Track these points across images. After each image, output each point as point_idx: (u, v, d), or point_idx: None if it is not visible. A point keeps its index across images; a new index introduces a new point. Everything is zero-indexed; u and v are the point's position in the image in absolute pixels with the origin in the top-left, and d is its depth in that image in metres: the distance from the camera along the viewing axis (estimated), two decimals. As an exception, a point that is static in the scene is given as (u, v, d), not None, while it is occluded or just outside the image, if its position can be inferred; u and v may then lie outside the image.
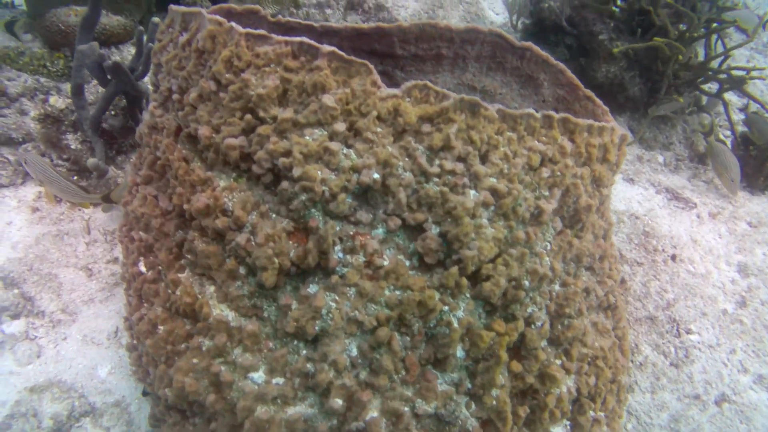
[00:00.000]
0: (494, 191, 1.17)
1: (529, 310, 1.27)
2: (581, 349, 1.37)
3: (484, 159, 1.19)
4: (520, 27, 3.71)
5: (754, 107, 3.33)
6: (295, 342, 1.21)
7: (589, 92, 1.59)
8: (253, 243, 1.18)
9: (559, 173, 1.24)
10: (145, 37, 2.23)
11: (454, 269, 1.17)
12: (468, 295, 1.21)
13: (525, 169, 1.21)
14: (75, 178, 2.34)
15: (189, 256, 1.28)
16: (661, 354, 2.17)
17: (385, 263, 1.18)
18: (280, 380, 1.20)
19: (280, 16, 1.64)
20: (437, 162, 1.15)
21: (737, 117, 3.50)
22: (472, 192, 1.17)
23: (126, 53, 2.64)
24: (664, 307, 2.29)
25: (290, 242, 1.19)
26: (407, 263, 1.19)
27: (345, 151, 1.15)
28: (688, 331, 2.24)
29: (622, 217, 2.61)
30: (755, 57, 4.44)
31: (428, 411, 1.21)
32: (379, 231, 1.18)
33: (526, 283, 1.24)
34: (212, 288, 1.26)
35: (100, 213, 2.27)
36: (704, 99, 3.32)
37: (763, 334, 2.29)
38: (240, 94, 1.17)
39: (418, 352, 1.21)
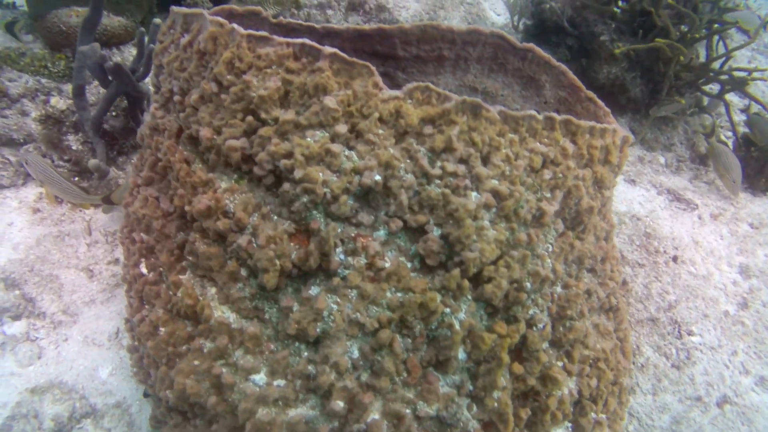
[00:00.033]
0: (496, 193, 1.17)
1: (531, 312, 1.27)
2: (583, 351, 1.37)
3: (485, 161, 1.18)
4: (521, 28, 3.71)
5: (755, 108, 3.32)
6: (297, 344, 1.21)
7: (590, 94, 1.59)
8: (254, 245, 1.18)
9: (561, 175, 1.24)
10: (146, 38, 2.23)
11: (456, 271, 1.17)
12: (469, 297, 1.21)
13: (527, 171, 1.21)
14: (76, 179, 2.34)
15: (190, 258, 1.28)
16: (662, 356, 2.17)
17: (387, 265, 1.18)
18: (281, 382, 1.20)
19: (281, 18, 1.64)
20: (439, 164, 1.15)
21: (739, 118, 3.49)
22: (474, 194, 1.17)
23: (127, 54, 2.64)
24: (666, 309, 2.29)
25: (292, 244, 1.18)
26: (409, 265, 1.19)
27: (347, 152, 1.15)
28: (690, 333, 2.24)
29: (624, 219, 2.60)
30: (757, 58, 4.44)
31: (430, 413, 1.20)
32: (381, 233, 1.18)
33: (528, 285, 1.24)
34: (213, 290, 1.26)
35: (101, 214, 2.27)
36: (706, 100, 3.31)
37: (765, 335, 2.28)
38: (241, 96, 1.17)
39: (420, 354, 1.21)
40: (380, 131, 1.15)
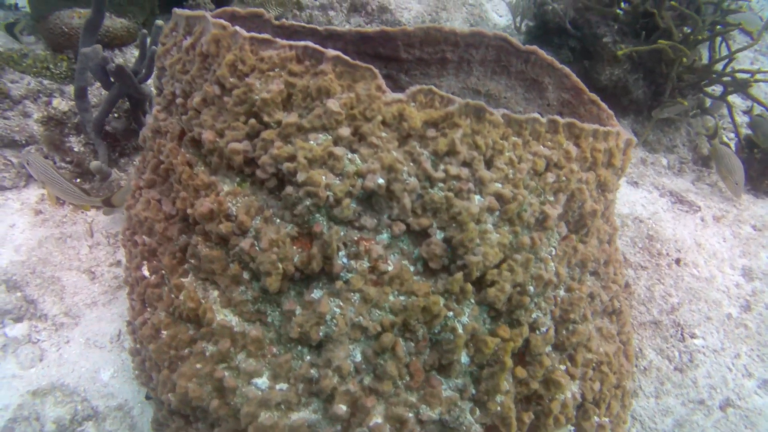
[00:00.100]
0: (499, 196, 1.17)
1: (534, 315, 1.27)
2: (586, 355, 1.37)
3: (489, 164, 1.18)
4: (523, 29, 3.71)
5: (758, 110, 3.32)
6: (299, 347, 1.21)
7: (594, 96, 1.59)
8: (257, 248, 1.18)
9: (564, 178, 1.24)
10: (148, 40, 2.23)
11: (459, 275, 1.17)
12: (473, 301, 1.20)
13: (530, 174, 1.21)
14: (78, 180, 2.34)
15: (192, 261, 1.28)
16: (665, 358, 2.17)
17: (390, 269, 1.17)
18: (283, 386, 1.20)
19: (284, 20, 1.63)
20: (442, 167, 1.15)
21: (741, 120, 3.49)
22: (477, 197, 1.16)
23: (129, 56, 2.64)
24: (669, 312, 2.28)
25: (294, 247, 1.18)
26: (412, 269, 1.19)
27: (349, 155, 1.15)
28: (693, 336, 2.23)
29: (626, 221, 2.60)
30: (759, 59, 4.43)
31: (432, 417, 1.20)
32: (384, 236, 1.18)
33: (531, 288, 1.23)
34: (216, 293, 1.25)
35: (103, 216, 2.26)
36: (708, 102, 3.31)
37: (768, 338, 2.28)
38: (244, 99, 1.17)
39: (423, 358, 1.20)
40: (383, 134, 1.15)
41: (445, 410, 1.20)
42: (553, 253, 1.28)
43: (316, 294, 1.19)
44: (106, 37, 2.56)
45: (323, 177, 1.13)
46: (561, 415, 1.30)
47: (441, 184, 1.15)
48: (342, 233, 1.17)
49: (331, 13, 3.26)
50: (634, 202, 2.81)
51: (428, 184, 1.15)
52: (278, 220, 1.19)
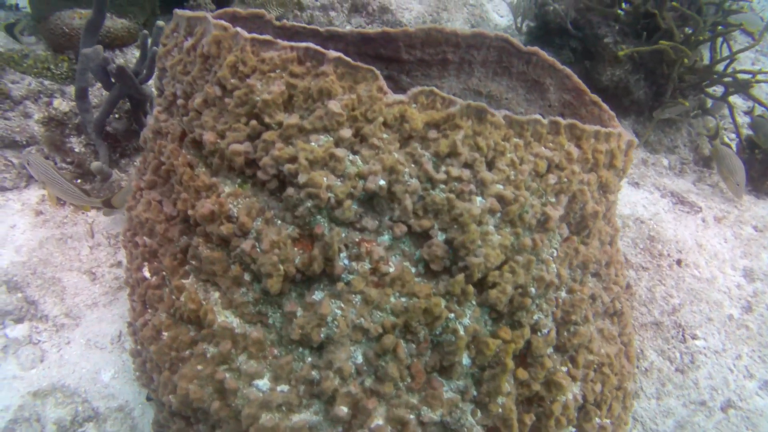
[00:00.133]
0: (501, 198, 1.17)
1: (536, 317, 1.26)
2: (587, 356, 1.36)
3: (490, 165, 1.18)
4: (524, 30, 3.71)
5: (759, 110, 3.32)
6: (300, 349, 1.20)
7: (595, 97, 1.58)
8: (258, 249, 1.18)
9: (565, 180, 1.23)
10: (149, 41, 2.23)
11: (460, 276, 1.17)
12: (474, 303, 1.20)
13: (532, 176, 1.20)
14: (79, 181, 2.34)
15: (193, 262, 1.28)
16: (666, 360, 2.16)
17: (391, 270, 1.17)
18: (285, 387, 1.20)
19: (285, 21, 1.63)
20: (443, 168, 1.15)
21: (742, 120, 3.49)
22: (479, 199, 1.16)
23: (130, 56, 2.64)
24: (670, 313, 2.28)
25: (295, 249, 1.18)
26: (413, 270, 1.18)
27: (351, 157, 1.14)
28: (694, 337, 2.23)
29: (627, 222, 2.60)
30: (760, 60, 4.43)
31: (434, 419, 1.20)
32: (385, 238, 1.18)
33: (533, 290, 1.23)
34: (217, 294, 1.25)
35: (104, 216, 2.26)
36: (709, 102, 3.31)
37: (770, 339, 2.28)
38: (245, 100, 1.17)
39: (424, 360, 1.20)
40: (385, 136, 1.14)
41: (446, 412, 1.20)
42: (555, 254, 1.27)
43: (318, 295, 1.19)
44: (107, 37, 2.56)
45: (324, 178, 1.13)
46: (562, 417, 1.30)
47: (442, 186, 1.15)
48: (343, 235, 1.16)
49: (332, 13, 3.26)
50: (635, 202, 2.81)
51: (430, 186, 1.15)
52: (279, 222, 1.19)
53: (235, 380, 1.19)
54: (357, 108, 1.14)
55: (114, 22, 2.57)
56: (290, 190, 1.15)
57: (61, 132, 2.35)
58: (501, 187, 1.17)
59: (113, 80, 2.16)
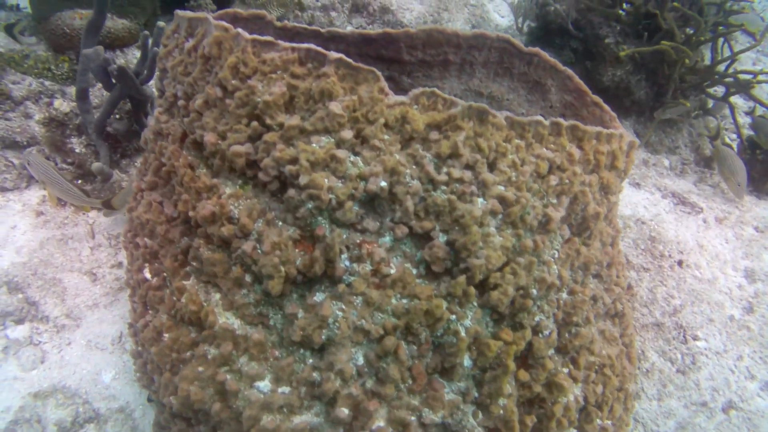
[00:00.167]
0: (502, 199, 1.16)
1: (537, 318, 1.26)
2: (588, 358, 1.36)
3: (492, 167, 1.18)
4: (525, 30, 3.70)
5: (760, 111, 3.31)
6: (302, 351, 1.20)
7: (596, 98, 1.58)
8: (259, 251, 1.18)
9: (567, 181, 1.23)
10: (150, 41, 2.23)
11: (462, 278, 1.16)
12: (475, 304, 1.20)
13: (533, 177, 1.20)
14: (79, 181, 2.34)
15: (194, 264, 1.27)
16: (667, 361, 2.16)
17: (392, 272, 1.17)
18: (286, 389, 1.19)
19: (286, 21, 1.63)
20: (445, 170, 1.14)
21: (744, 120, 3.48)
22: (480, 200, 1.16)
23: (131, 57, 2.64)
24: (671, 313, 2.27)
25: (296, 250, 1.18)
26: (414, 272, 1.18)
27: (352, 158, 1.14)
28: (695, 338, 2.23)
29: (629, 222, 2.59)
30: (761, 60, 4.43)
31: (435, 420, 1.20)
32: (386, 239, 1.18)
33: (534, 291, 1.23)
34: (218, 296, 1.25)
35: (104, 217, 2.26)
36: (710, 103, 3.30)
37: (771, 340, 2.27)
38: (246, 101, 1.16)
39: (425, 361, 1.20)
40: (386, 137, 1.14)
41: (447, 414, 1.20)
42: (556, 255, 1.27)
43: (319, 297, 1.18)
44: (108, 38, 2.56)
45: (326, 180, 1.12)
46: (564, 418, 1.30)
47: (444, 187, 1.14)
48: (344, 236, 1.16)
49: (333, 13, 3.26)
50: (636, 203, 2.80)
51: (431, 187, 1.15)
52: (280, 223, 1.19)
53: (236, 382, 1.19)
54: (358, 109, 1.14)
55: (115, 23, 2.57)
56: (291, 192, 1.15)
57: (62, 132, 2.35)
58: (502, 188, 1.17)
59: (114, 81, 2.16)
